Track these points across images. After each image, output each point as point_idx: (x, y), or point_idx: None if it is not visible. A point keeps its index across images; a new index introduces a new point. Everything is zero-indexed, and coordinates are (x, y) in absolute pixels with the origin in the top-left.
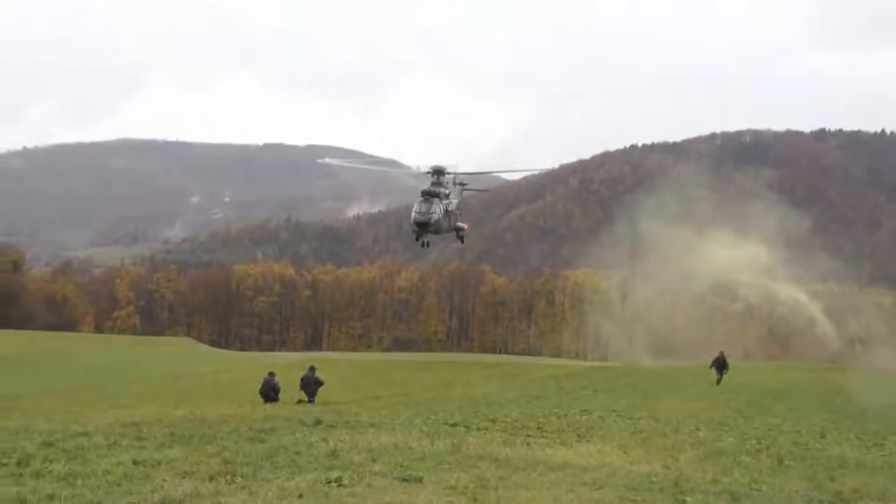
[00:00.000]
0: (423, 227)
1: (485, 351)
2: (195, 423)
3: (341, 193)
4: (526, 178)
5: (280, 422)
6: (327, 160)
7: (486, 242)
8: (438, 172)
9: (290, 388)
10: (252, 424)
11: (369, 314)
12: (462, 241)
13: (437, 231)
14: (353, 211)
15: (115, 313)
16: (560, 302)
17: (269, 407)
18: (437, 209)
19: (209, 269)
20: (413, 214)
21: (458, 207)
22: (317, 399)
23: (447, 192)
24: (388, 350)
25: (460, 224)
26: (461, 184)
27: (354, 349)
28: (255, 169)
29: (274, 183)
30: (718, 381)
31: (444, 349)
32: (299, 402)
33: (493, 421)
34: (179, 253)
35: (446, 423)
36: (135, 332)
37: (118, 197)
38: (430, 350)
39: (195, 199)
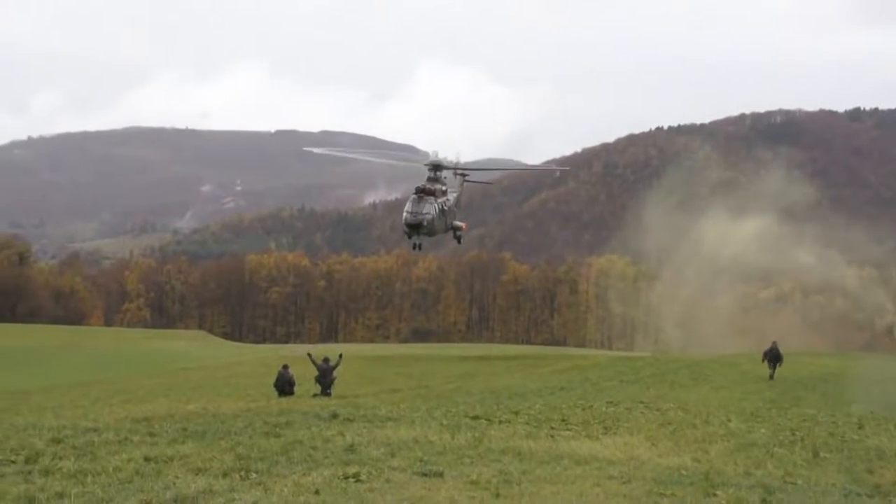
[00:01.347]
0: (416, 228)
1: (506, 341)
2: (208, 418)
3: (356, 181)
4: (548, 161)
5: (296, 416)
6: (313, 149)
7: (506, 229)
8: (436, 167)
9: (305, 381)
10: (267, 419)
11: (387, 304)
12: (459, 242)
13: (431, 233)
14: (370, 198)
15: (125, 306)
16: (584, 290)
17: (285, 401)
18: (431, 209)
19: (221, 259)
20: (405, 215)
21: (458, 203)
22: (333, 392)
23: (444, 188)
24: (406, 341)
25: (457, 223)
26: (462, 174)
27: (371, 340)
28: (267, 157)
29: (287, 171)
30: (771, 377)
31: (464, 340)
32: (315, 395)
33: (516, 413)
34: (190, 243)
35: (467, 416)
36: (145, 325)
37: (126, 187)
38: (449, 341)
39: (206, 189)
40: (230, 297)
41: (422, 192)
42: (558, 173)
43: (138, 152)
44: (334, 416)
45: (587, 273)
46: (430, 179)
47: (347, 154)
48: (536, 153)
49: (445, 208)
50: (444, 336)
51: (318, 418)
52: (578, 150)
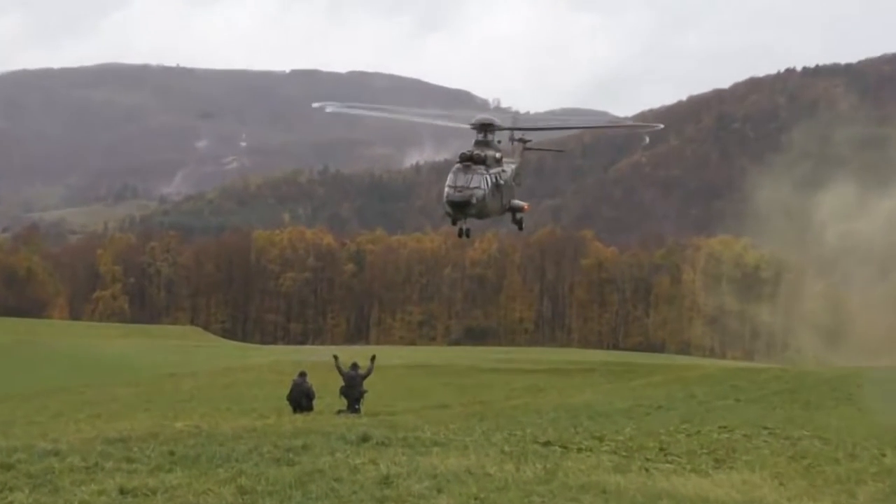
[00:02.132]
0: (461, 208)
1: (587, 345)
2: (202, 439)
3: (396, 136)
4: (642, 113)
5: (315, 438)
6: (326, 106)
7: (587, 200)
8: (486, 128)
9: (326, 393)
10: (278, 441)
11: (432, 296)
12: (520, 228)
13: (482, 214)
14: (412, 158)
15: (97, 294)
16: (689, 280)
17: (301, 418)
18: (482, 183)
19: (221, 235)
20: (446, 190)
21: (518, 176)
22: (363, 408)
23: (498, 155)
24: (457, 343)
25: (517, 202)
26: (521, 140)
27: (413, 342)
28: (280, 104)
29: (306, 122)
30: None
31: (532, 343)
32: (340, 411)
33: (600, 439)
34: (181, 214)
35: (536, 442)
36: (122, 319)
37: (100, 140)
38: (513, 344)
39: (201, 144)
40: (232, 283)
41: (468, 161)
42: (657, 128)
43: (116, 96)
44: (365, 438)
45: (693, 258)
46: (478, 143)
47: (366, 112)
48: (628, 103)
49: (500, 182)
50: (507, 337)
51: (343, 441)
52: (683, 98)
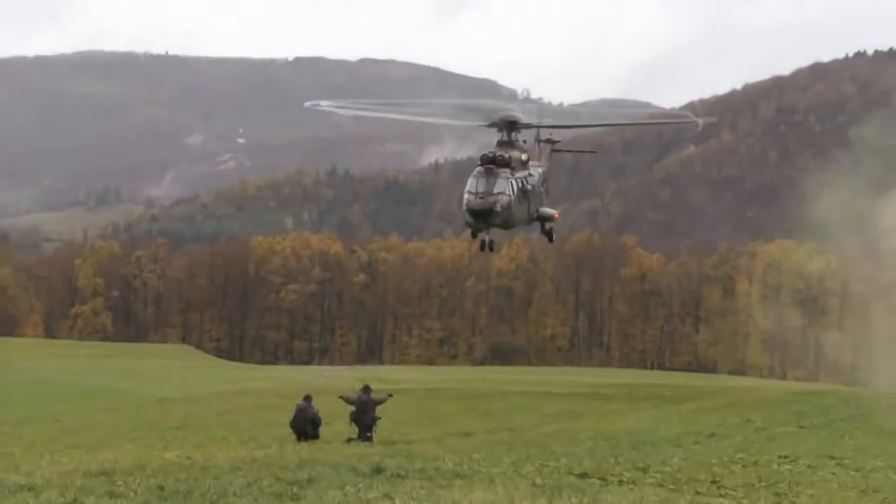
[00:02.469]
0: (484, 217)
1: (629, 365)
2: (195, 472)
3: (412, 131)
4: (691, 104)
5: (322, 469)
6: (319, 104)
7: (629, 202)
8: (510, 126)
9: (334, 419)
10: (280, 473)
11: (454, 310)
12: (550, 239)
13: (508, 223)
14: (430, 157)
15: (75, 309)
16: (744, 292)
17: (306, 447)
18: (507, 188)
19: (215, 244)
20: (466, 197)
21: (545, 181)
22: (376, 436)
23: (524, 157)
24: (482, 363)
25: (546, 210)
26: (549, 140)
27: (432, 362)
28: (283, 96)
29: (311, 116)
30: None
31: (566, 362)
32: (350, 439)
33: (644, 470)
34: (170, 220)
35: (571, 473)
36: (105, 338)
37: (78, 137)
38: (545, 363)
39: (194, 141)
40: (227, 297)
41: (491, 163)
42: (707, 122)
43: (98, 87)
44: (378, 470)
45: (749, 266)
46: (501, 144)
47: (366, 112)
48: (675, 92)
49: (528, 187)
50: (537, 357)
51: (354, 473)
52: (738, 86)
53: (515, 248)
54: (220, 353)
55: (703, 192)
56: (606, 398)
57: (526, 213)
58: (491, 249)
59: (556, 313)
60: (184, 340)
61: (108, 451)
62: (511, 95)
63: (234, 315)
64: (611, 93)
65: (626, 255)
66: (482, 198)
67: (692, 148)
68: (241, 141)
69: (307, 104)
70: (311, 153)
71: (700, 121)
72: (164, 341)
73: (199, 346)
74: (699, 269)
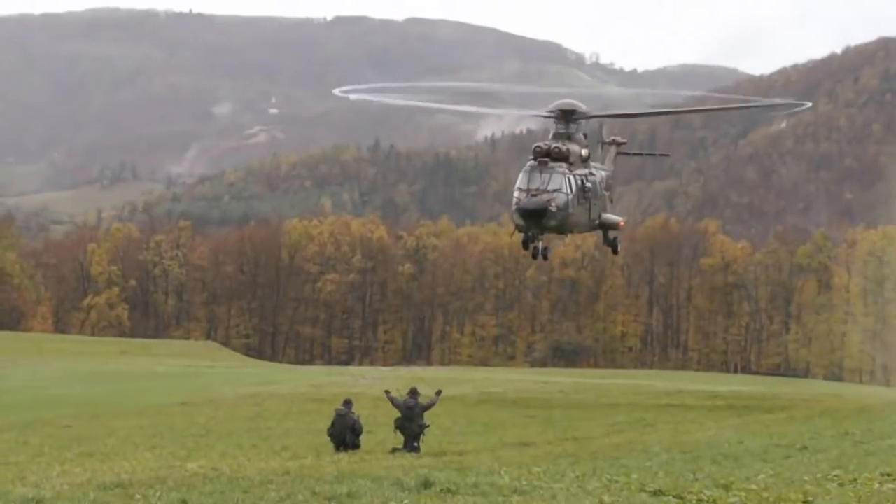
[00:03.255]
0: (537, 218)
1: (709, 368)
2: (222, 485)
3: (466, 101)
4: (784, 70)
5: (363, 483)
6: (349, 93)
7: (711, 182)
8: (567, 116)
9: (377, 427)
10: (317, 487)
11: (511, 304)
12: (615, 251)
13: (565, 227)
14: (487, 130)
15: (88, 300)
16: (842, 285)
17: (345, 458)
18: (564, 185)
19: (244, 227)
20: (516, 195)
21: (609, 186)
22: (423, 446)
23: (584, 152)
24: (543, 364)
25: (611, 217)
26: (614, 143)
27: (486, 363)
28: (319, 60)
29: (352, 83)
30: None
31: (638, 364)
32: (394, 450)
33: (726, 488)
34: (194, 201)
35: (644, 491)
36: (121, 333)
37: (92, 108)
38: (614, 365)
39: (221, 111)
40: (258, 288)
41: (545, 156)
42: (801, 108)
43: (112, 51)
44: (426, 484)
45: (848, 255)
46: (558, 136)
47: (402, 101)
48: (766, 57)
49: (588, 186)
50: (606, 357)
51: (399, 488)
52: (837, 49)
53: (582, 235)
54: (250, 351)
55: (795, 170)
56: (683, 405)
57: (586, 217)
58: (545, 258)
59: (627, 308)
60: (209, 336)
61: (124, 460)
62: (578, 60)
63: (264, 308)
64: (691, 59)
65: (706, 242)
66: (535, 195)
67: (783, 124)
68: (274, 111)
69: (336, 91)
70: (352, 126)
71: (806, 104)
72: (186, 337)
73: (225, 343)
74: (790, 259)
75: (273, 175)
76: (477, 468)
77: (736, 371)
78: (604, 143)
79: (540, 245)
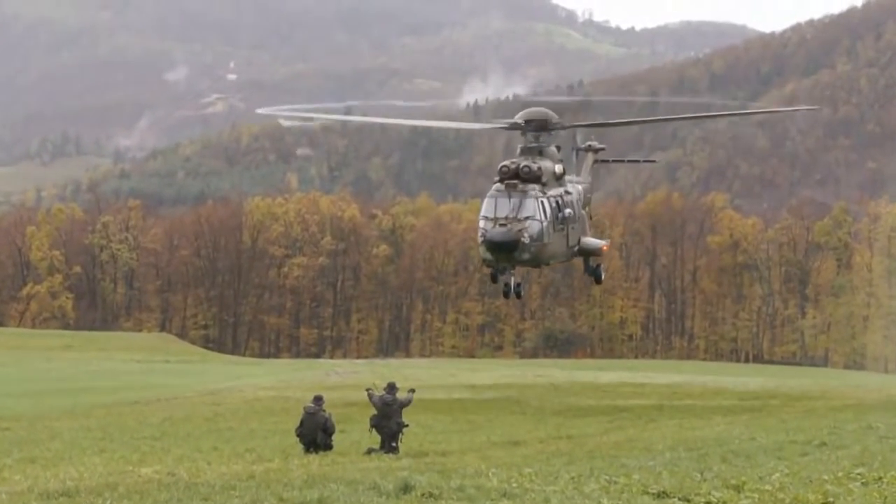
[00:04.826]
0: (507, 252)
1: (717, 357)
2: (178, 492)
3: (446, 64)
4: (798, 26)
5: (336, 488)
6: (268, 111)
7: (717, 152)
8: (538, 128)
9: (350, 425)
10: (285, 492)
11: (499, 290)
12: (598, 281)
13: (540, 259)
14: (469, 96)
15: (27, 289)
16: (864, 263)
17: (316, 460)
18: (538, 211)
19: (201, 207)
20: (482, 226)
21: (587, 202)
22: (403, 445)
23: (558, 168)
24: (533, 355)
25: (591, 241)
26: (591, 149)
27: (471, 353)
28: (283, 20)
29: (320, 44)
30: None
31: (638, 353)
32: (370, 450)
33: (737, 489)
34: (145, 177)
35: (647, 493)
36: (65, 325)
37: (30, 74)
38: (612, 355)
39: (174, 76)
40: (217, 274)
41: (514, 178)
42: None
43: (53, 11)
44: (405, 488)
45: (871, 231)
46: (527, 151)
47: (327, 116)
48: (778, 11)
49: (565, 210)
50: (603, 346)
51: (376, 492)
52: (857, 3)
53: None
54: (209, 344)
55: (811, 137)
56: (690, 398)
57: (564, 245)
58: (518, 296)
59: (626, 292)
60: (163, 328)
61: (70, 466)
62: (569, 17)
63: (224, 296)
64: (695, 15)
65: (713, 218)
66: (504, 225)
67: (799, 84)
68: (233, 77)
69: (259, 111)
70: (320, 92)
71: (815, 108)
72: (138, 329)
73: (181, 335)
74: (806, 236)
75: (232, 148)
76: (462, 470)
77: (747, 360)
78: (579, 149)
79: (512, 281)
